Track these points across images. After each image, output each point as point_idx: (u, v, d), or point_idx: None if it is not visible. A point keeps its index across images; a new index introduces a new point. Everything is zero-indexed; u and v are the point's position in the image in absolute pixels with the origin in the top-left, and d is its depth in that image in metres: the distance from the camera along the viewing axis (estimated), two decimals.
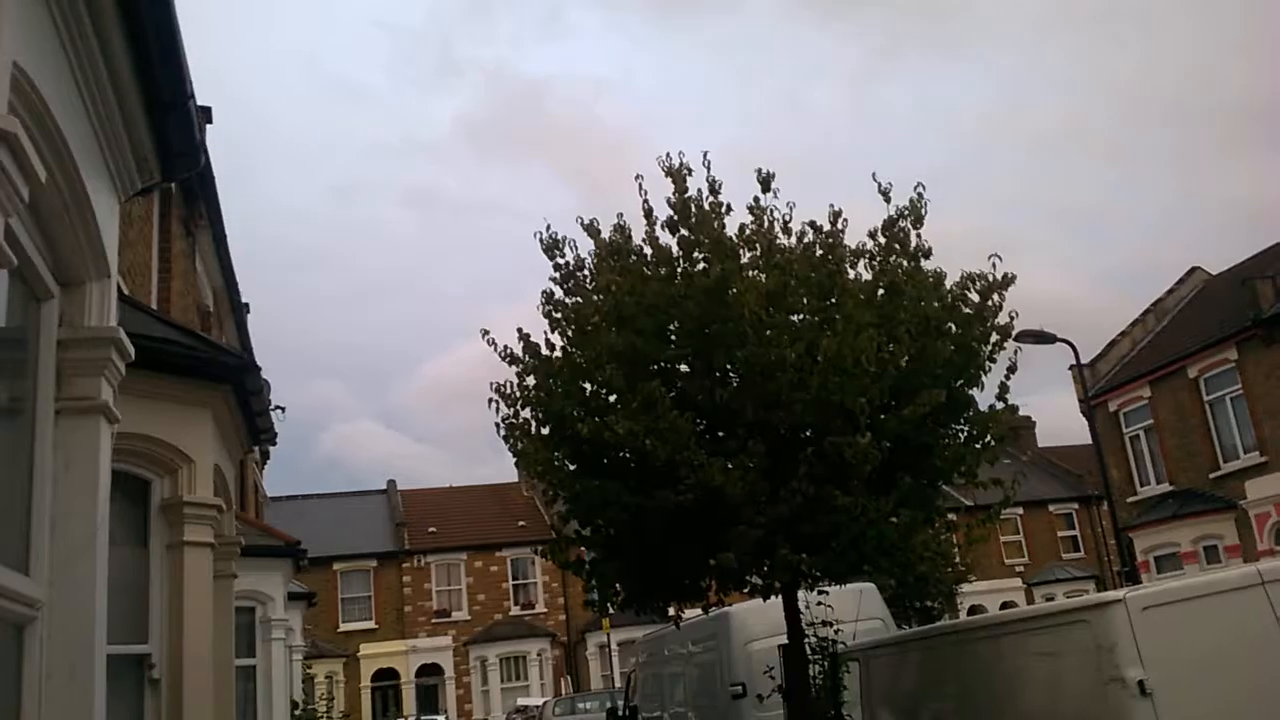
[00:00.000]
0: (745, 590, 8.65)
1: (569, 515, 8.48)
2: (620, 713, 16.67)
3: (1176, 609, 6.44)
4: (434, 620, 41.79)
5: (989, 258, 8.05)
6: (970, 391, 8.09)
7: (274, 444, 23.20)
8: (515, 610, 42.57)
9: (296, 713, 17.64)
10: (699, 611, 11.98)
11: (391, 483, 46.64)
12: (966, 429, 8.12)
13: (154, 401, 6.95)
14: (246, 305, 18.13)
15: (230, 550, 8.62)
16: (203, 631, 7.16)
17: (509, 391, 8.27)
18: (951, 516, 9.26)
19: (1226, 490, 24.34)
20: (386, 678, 40.90)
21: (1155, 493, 26.48)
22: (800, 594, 8.30)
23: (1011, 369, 8.31)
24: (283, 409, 20.52)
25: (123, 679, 6.63)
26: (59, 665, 3.59)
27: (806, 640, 8.15)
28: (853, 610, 9.82)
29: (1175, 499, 25.64)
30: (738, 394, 7.43)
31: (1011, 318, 8.16)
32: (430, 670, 41.37)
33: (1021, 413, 45.76)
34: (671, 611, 9.14)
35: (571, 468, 8.11)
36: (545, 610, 42.71)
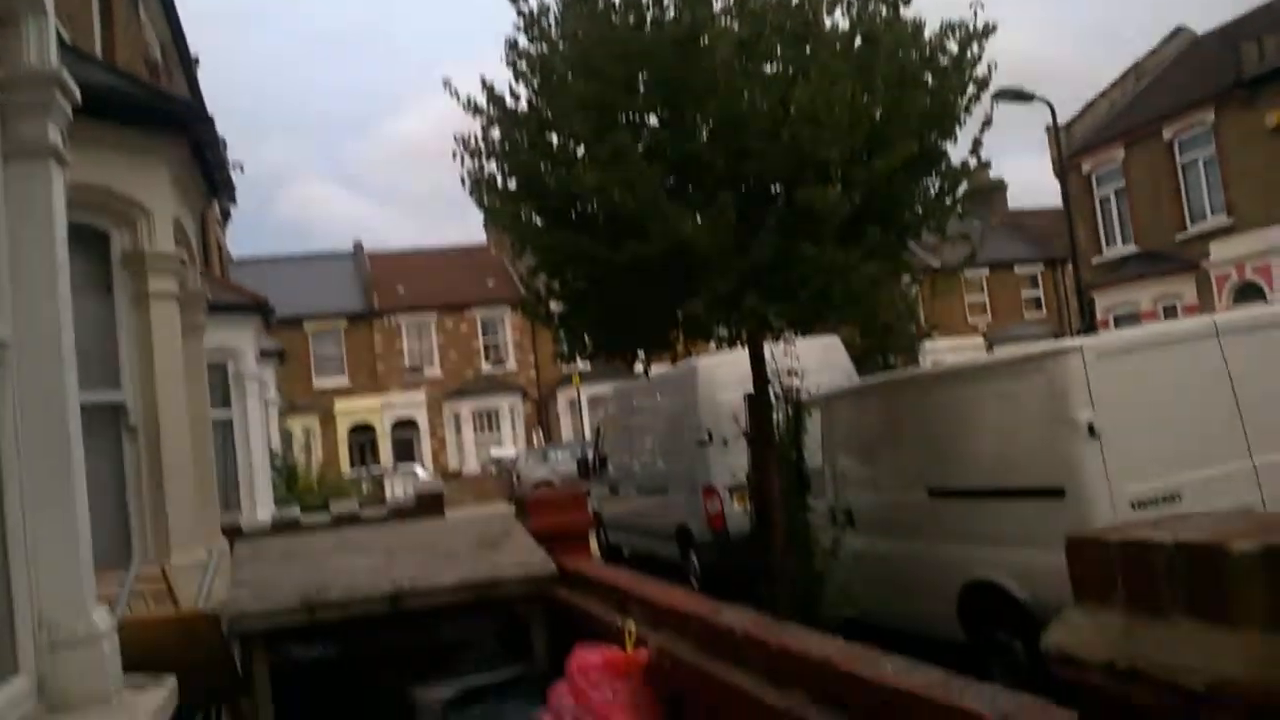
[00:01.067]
0: (712, 341, 8.77)
1: (538, 270, 8.46)
2: (591, 461, 17.27)
3: (1131, 357, 6.62)
4: (407, 377, 42.57)
5: (970, 4, 7.76)
6: (944, 145, 7.96)
7: (234, 202, 22.82)
8: (486, 368, 43.38)
9: (276, 463, 18.17)
10: (667, 366, 12.25)
11: (358, 244, 46.35)
12: (938, 183, 8.04)
13: (106, 152, 6.75)
14: (196, 59, 17.36)
15: (196, 302, 8.61)
16: (175, 381, 7.24)
17: (474, 145, 8.06)
18: (921, 276, 9.27)
19: (1192, 252, 24.69)
20: (363, 431, 42.04)
21: (1121, 254, 26.84)
22: (766, 347, 8.44)
23: (987, 123, 8.15)
24: (241, 166, 20.10)
25: (100, 429, 6.74)
26: (33, 405, 3.62)
27: (770, 389, 8.34)
28: (817, 362, 10.05)
29: (1140, 260, 26.01)
30: (708, 146, 7.26)
31: (990, 69, 7.93)
32: (405, 424, 42.55)
33: (994, 175, 45.67)
34: (639, 363, 9.29)
35: (539, 222, 8.01)
36: (516, 368, 43.54)
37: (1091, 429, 6.30)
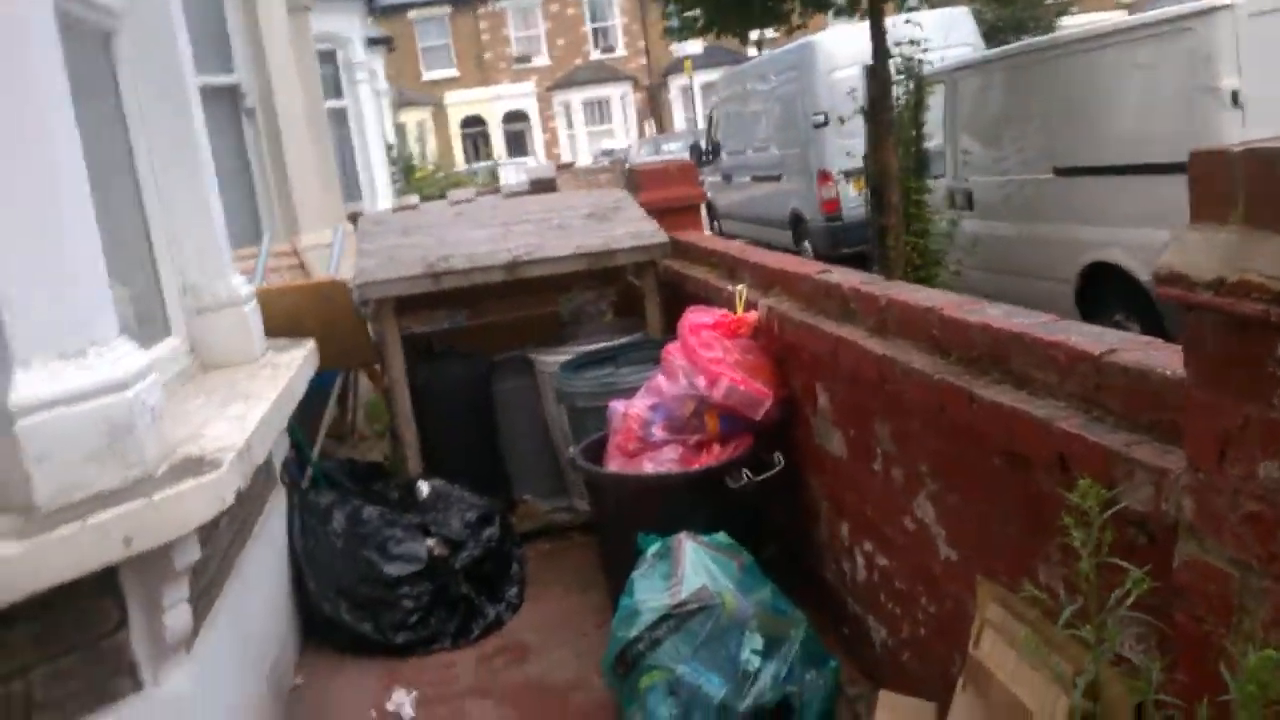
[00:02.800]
0: (830, 12, 8.31)
1: None
2: (704, 150, 17.04)
3: None
4: (515, 66, 41.84)
5: None
6: None
7: None
8: (595, 54, 42.24)
9: (392, 154, 18.43)
10: (783, 45, 11.72)
11: None
12: None
13: None
14: None
15: None
16: (286, 62, 7.27)
17: None
18: None
19: None
20: (474, 124, 42.01)
21: None
22: (889, 18, 7.96)
23: None
24: None
25: (219, 112, 6.87)
26: (152, 80, 3.68)
27: (891, 62, 7.95)
28: (943, 36, 9.49)
29: None
30: None
31: None
32: (516, 116, 42.29)
33: None
34: (753, 41, 8.89)
35: None
36: (626, 54, 42.28)
37: (1235, 98, 5.88)
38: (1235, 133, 5.89)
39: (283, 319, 4.42)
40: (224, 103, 7.00)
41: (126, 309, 3.20)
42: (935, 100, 8.72)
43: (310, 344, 4.26)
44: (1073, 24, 28.60)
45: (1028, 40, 9.59)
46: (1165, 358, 1.76)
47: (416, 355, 5.09)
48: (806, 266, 3.65)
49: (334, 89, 14.17)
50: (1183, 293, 1.42)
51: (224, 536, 3.04)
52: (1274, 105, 5.86)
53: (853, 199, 11.10)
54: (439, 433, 4.91)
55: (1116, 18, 7.74)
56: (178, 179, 3.75)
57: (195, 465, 2.49)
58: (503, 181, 20.12)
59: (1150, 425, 1.74)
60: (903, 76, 8.21)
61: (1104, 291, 6.99)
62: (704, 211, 16.78)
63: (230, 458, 2.54)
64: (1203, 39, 6.01)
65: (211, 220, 3.86)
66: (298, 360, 3.95)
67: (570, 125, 41.67)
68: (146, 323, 3.53)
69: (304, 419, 4.47)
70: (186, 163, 3.78)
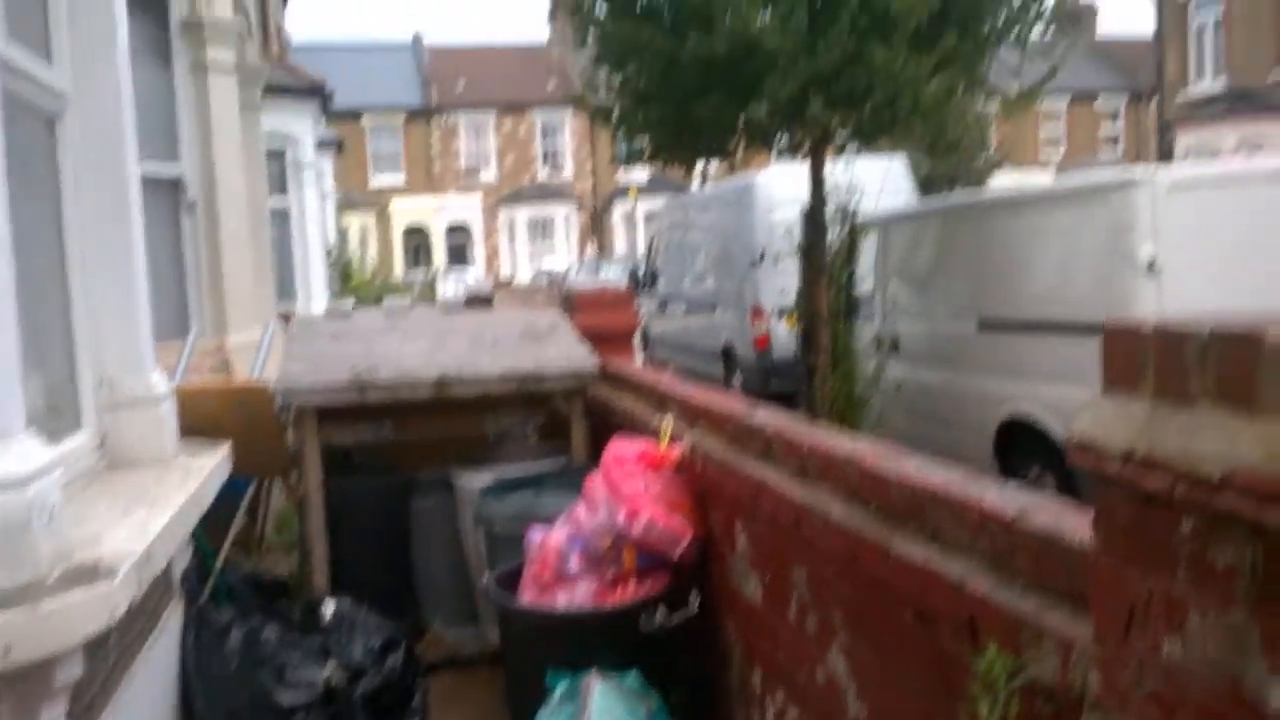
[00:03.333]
0: (773, 151, 8.57)
1: (599, 61, 8.23)
2: (641, 277, 17.28)
3: (1203, 194, 6.36)
4: (463, 179, 42.41)
5: None
6: None
7: None
8: (544, 174, 43.04)
9: (331, 256, 18.39)
10: (725, 179, 12.05)
11: (417, 36, 45.37)
12: None
13: None
14: None
15: (254, 79, 8.55)
16: (233, 158, 7.28)
17: None
18: (997, 95, 8.89)
19: None
20: (417, 233, 42.29)
21: (1209, 91, 25.55)
22: (828, 163, 8.24)
23: None
24: None
25: (159, 202, 6.83)
26: (93, 163, 3.64)
27: (828, 207, 8.20)
28: (878, 183, 9.82)
29: (1229, 98, 24.75)
30: None
31: None
32: (459, 229, 42.70)
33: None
34: (698, 172, 9.14)
35: (604, 5, 7.75)
36: (573, 176, 43.16)
37: (1151, 266, 6.13)
38: (1152, 300, 6.14)
39: (200, 420, 4.30)
40: (165, 193, 6.96)
41: (37, 398, 3.10)
42: (868, 246, 8.99)
43: (225, 448, 4.15)
44: (1003, 179, 29.94)
45: (958, 195, 9.98)
46: (1076, 524, 1.77)
47: (335, 466, 4.98)
48: (732, 404, 3.68)
49: (280, 187, 14.19)
50: (1094, 462, 1.44)
51: (112, 650, 2.89)
52: (1189, 274, 6.11)
53: (784, 336, 11.28)
54: (351, 549, 4.78)
55: (1044, 179, 8.08)
56: (107, 267, 3.68)
57: (89, 573, 2.37)
58: (440, 294, 20.15)
59: (1062, 592, 1.75)
60: (838, 221, 8.45)
61: (1022, 445, 7.12)
62: (638, 337, 16.94)
63: (127, 567, 2.43)
64: (1121, 209, 6.29)
65: (137, 312, 3.78)
66: (210, 465, 3.83)
67: (513, 240, 42.16)
68: (56, 414, 3.41)
69: (211, 526, 4.32)
70: (118, 251, 3.71)
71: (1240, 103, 24.20)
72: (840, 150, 8.27)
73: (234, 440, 4.24)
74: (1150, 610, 1.40)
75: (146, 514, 3.01)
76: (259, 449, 4.62)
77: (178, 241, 7.10)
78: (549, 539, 3.66)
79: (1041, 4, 7.54)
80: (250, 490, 5.27)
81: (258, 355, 5.61)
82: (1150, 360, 1.35)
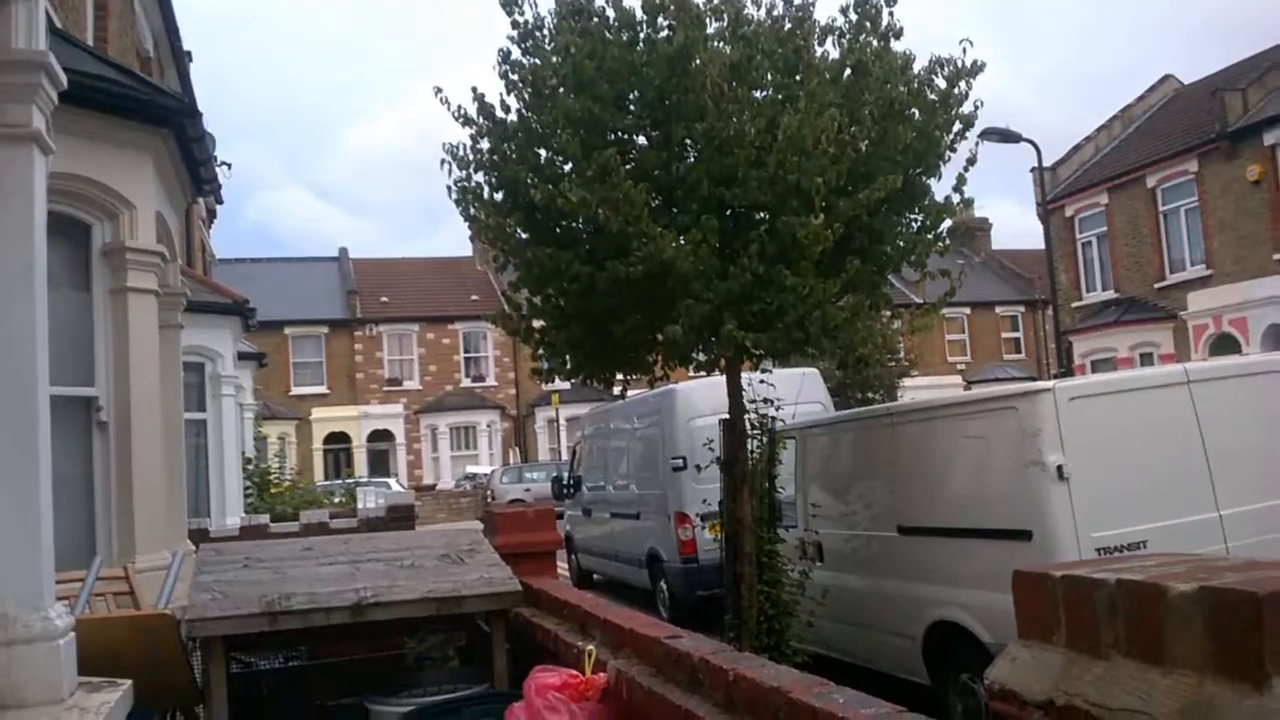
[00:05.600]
0: (691, 367, 8.79)
1: (520, 284, 8.47)
2: (565, 483, 17.23)
3: (1102, 401, 6.67)
4: (386, 388, 42.44)
5: (959, 43, 7.85)
6: (928, 181, 8.03)
7: (220, 201, 22.75)
8: (466, 383, 43.29)
9: (249, 468, 18.05)
10: (645, 389, 12.26)
11: (343, 250, 46.27)
12: (921, 218, 8.11)
13: (92, 143, 6.76)
14: (189, 53, 17.33)
15: (175, 300, 8.58)
16: (149, 378, 7.21)
17: (462, 154, 8.07)
18: (901, 311, 9.34)
19: (1170, 301, 24.93)
20: (338, 441, 41.84)
21: (1100, 299, 27.07)
22: (745, 375, 8.46)
23: (971, 161, 8.21)
24: (228, 165, 20.07)
25: (70, 421, 6.71)
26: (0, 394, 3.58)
27: (747, 417, 8.36)
28: (794, 393, 10.07)
29: (1118, 306, 26.23)
30: (694, 168, 7.30)
31: (976, 107, 8.02)
32: (381, 436, 42.38)
33: (978, 215, 46.16)
34: (617, 385, 9.31)
35: (524, 235, 8.03)
36: (496, 384, 43.46)
37: (1060, 472, 6.33)
38: (1065, 505, 6.31)
39: (100, 653, 4.09)
40: (77, 412, 6.84)
41: None
42: (788, 454, 9.13)
43: (126, 686, 3.93)
44: (914, 384, 30.95)
45: (872, 406, 10.26)
46: None
47: (244, 696, 4.74)
48: (656, 629, 3.62)
49: (197, 401, 14.04)
50: (1014, 710, 1.45)
51: None
52: (1095, 477, 6.32)
53: (709, 542, 11.25)
54: None
55: (953, 383, 8.37)
56: (7, 494, 3.56)
57: None
58: (361, 503, 19.77)
59: None
60: (757, 431, 8.59)
61: (949, 649, 7.09)
62: (563, 544, 16.73)
63: None
64: (1028, 417, 6.53)
65: (39, 549, 3.64)
66: (109, 705, 3.62)
67: (435, 448, 41.89)
68: None
69: None
70: (21, 480, 3.61)
71: (1130, 311, 25.64)
72: (756, 364, 8.50)
73: (138, 671, 4.03)
74: None
75: None
76: (164, 681, 4.40)
77: (88, 460, 6.93)
78: None
79: (938, 229, 8.00)
80: None
81: (165, 582, 5.41)
82: (1061, 610, 1.39)
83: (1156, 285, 25.21)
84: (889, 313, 9.37)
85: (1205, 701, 1.17)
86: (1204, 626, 1.19)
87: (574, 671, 3.64)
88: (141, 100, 7.14)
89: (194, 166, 8.31)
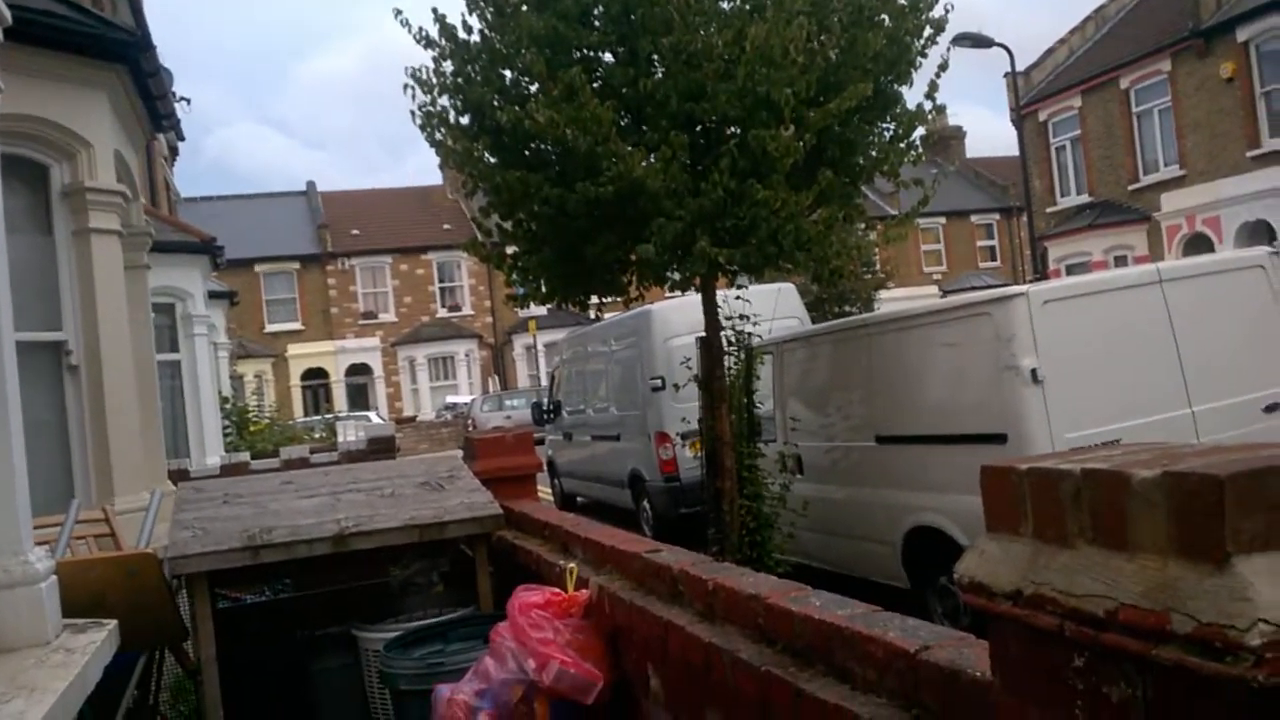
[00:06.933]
0: (666, 286, 8.76)
1: (490, 209, 8.37)
2: (545, 408, 17.27)
3: (1075, 303, 6.69)
4: (361, 322, 42.21)
5: None
6: (899, 88, 7.93)
7: (182, 138, 22.32)
8: (442, 313, 43.07)
9: (227, 407, 17.99)
10: (622, 311, 12.23)
11: (311, 184, 45.59)
12: (893, 127, 8.04)
13: (45, 81, 6.58)
14: None
15: (140, 240, 8.45)
16: (118, 320, 7.12)
17: (425, 78, 7.91)
18: (876, 223, 9.30)
19: (1143, 202, 24.95)
20: (316, 377, 41.71)
21: (1074, 204, 27.06)
22: (720, 292, 8.43)
23: (943, 67, 8.11)
24: (187, 100, 19.64)
25: (40, 367, 6.63)
26: None
27: (723, 334, 8.35)
28: (770, 309, 10.07)
29: (1093, 210, 26.24)
30: (662, 84, 7.18)
31: (947, 11, 7.90)
32: (359, 370, 42.26)
33: (952, 123, 45.82)
34: (594, 304, 9.28)
35: (492, 160, 7.91)
36: (472, 313, 43.29)
37: (1035, 375, 6.37)
38: (1039, 408, 6.37)
39: (84, 595, 4.10)
40: (46, 358, 6.77)
41: None
42: (765, 369, 9.16)
43: (111, 626, 3.94)
44: (890, 296, 30.99)
45: (847, 318, 10.28)
46: (977, 657, 1.78)
47: (231, 631, 4.78)
48: (637, 544, 3.65)
49: (170, 342, 13.92)
50: (984, 602, 1.46)
51: None
52: (1069, 380, 6.38)
53: (690, 460, 11.32)
54: (252, 717, 4.55)
55: (930, 294, 8.38)
56: None
57: None
58: (341, 437, 19.78)
59: None
60: (734, 347, 8.60)
61: (929, 554, 7.21)
62: (546, 468, 16.83)
63: None
64: (1001, 323, 6.55)
65: (13, 490, 3.61)
66: (95, 644, 3.63)
67: (414, 380, 41.84)
68: None
69: (99, 706, 4.08)
70: None
71: (1104, 214, 25.66)
72: (731, 280, 8.48)
73: (122, 613, 4.04)
74: None
75: (25, 704, 2.83)
76: (150, 620, 4.41)
77: (60, 406, 6.87)
78: (456, 695, 3.54)
79: (910, 138, 7.93)
80: (141, 663, 5.02)
81: (145, 522, 5.40)
82: (1028, 502, 1.39)
83: (1130, 187, 25.21)
84: (863, 225, 9.31)
85: (1168, 584, 1.18)
86: (1167, 511, 1.19)
87: (557, 589, 3.68)
88: (93, 35, 6.93)
89: (150, 102, 8.11)
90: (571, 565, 3.79)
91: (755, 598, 2.52)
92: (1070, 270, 25.35)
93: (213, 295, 16.64)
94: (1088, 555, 1.29)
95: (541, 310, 30.28)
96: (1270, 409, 6.91)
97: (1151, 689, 1.24)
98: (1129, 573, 1.22)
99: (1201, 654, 1.13)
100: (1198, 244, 23.04)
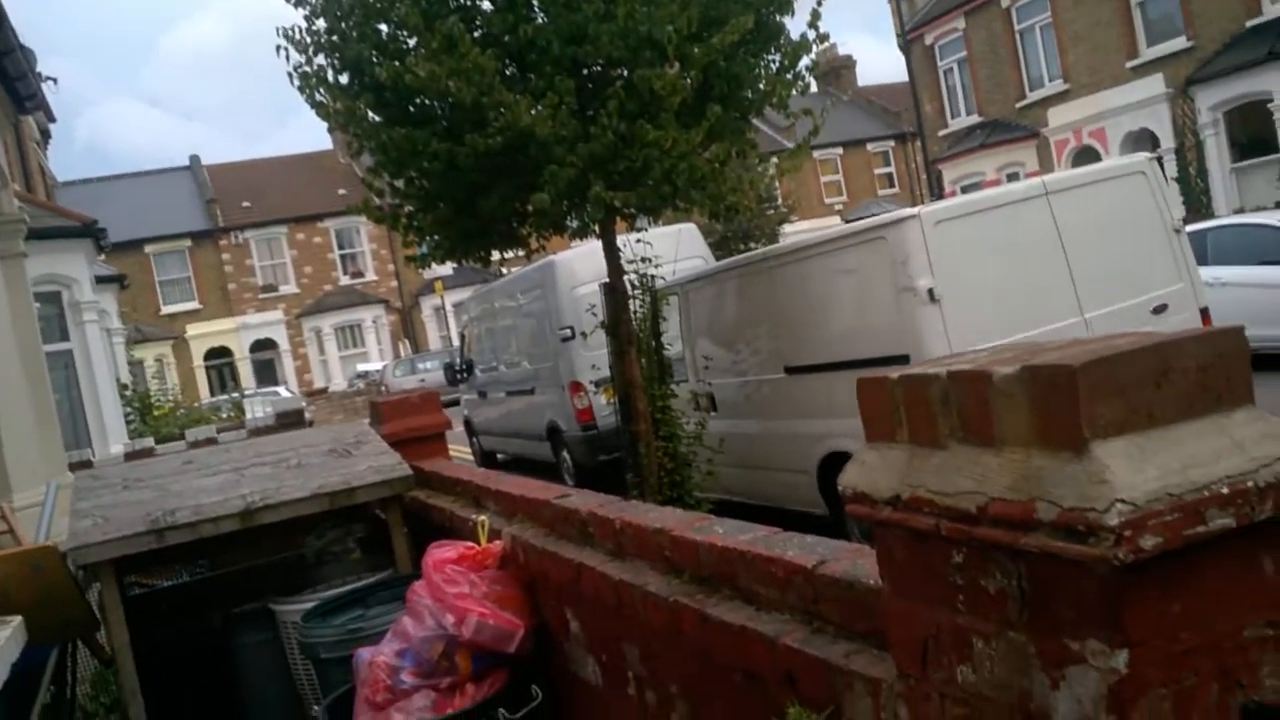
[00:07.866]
0: (566, 235, 8.70)
1: (379, 169, 8.18)
2: (458, 368, 17.12)
3: (967, 221, 6.82)
4: (261, 296, 41.21)
5: None
6: (782, 19, 7.92)
7: (52, 119, 21.39)
8: (345, 280, 42.28)
9: (127, 393, 17.48)
10: (525, 264, 12.13)
11: (195, 158, 44.10)
12: (778, 59, 8.03)
13: None
14: None
15: (15, 228, 8.10)
16: None
17: (298, 37, 7.66)
18: (771, 157, 9.32)
19: (1031, 119, 25.48)
20: (219, 356, 40.71)
21: (965, 125, 27.51)
22: (621, 237, 8.40)
23: None
24: (54, 80, 18.76)
25: None
26: None
27: (627, 278, 8.33)
28: (673, 250, 10.07)
29: (983, 130, 26.73)
30: (543, 29, 7.06)
31: None
32: (264, 345, 41.35)
33: (842, 53, 46.07)
34: (495, 259, 9.16)
35: (376, 118, 7.72)
36: (376, 278, 42.57)
37: (931, 294, 6.49)
38: (937, 326, 6.50)
39: None
40: None
41: None
42: (672, 311, 9.18)
43: (15, 623, 3.82)
44: (794, 230, 31.29)
45: (747, 254, 10.34)
46: (870, 566, 1.82)
47: (146, 617, 4.67)
48: (546, 492, 3.65)
49: (59, 331, 13.45)
50: (867, 510, 1.49)
51: None
52: (965, 298, 6.51)
53: (605, 408, 11.34)
54: (173, 703, 4.47)
55: (833, 225, 8.45)
56: None
57: None
58: (249, 414, 19.39)
59: (866, 634, 1.79)
60: (639, 291, 8.60)
61: None
62: (464, 427, 16.72)
63: None
64: (896, 245, 6.65)
65: None
66: None
67: (322, 351, 41.08)
68: None
69: (13, 704, 3.96)
70: None
71: (994, 133, 26.16)
72: (631, 224, 8.45)
73: (28, 607, 3.92)
74: (941, 642, 1.45)
75: None
76: (58, 614, 4.30)
77: None
78: (377, 658, 3.52)
79: (796, 69, 7.94)
80: (53, 658, 4.89)
81: (41, 516, 5.24)
82: (902, 410, 1.42)
83: (1018, 105, 25.71)
84: (758, 159, 9.33)
85: (1033, 474, 1.21)
86: (1028, 404, 1.23)
87: (470, 543, 3.67)
88: None
89: (9, 83, 7.75)
90: (483, 518, 3.78)
91: (660, 531, 2.54)
92: (965, 191, 25.80)
93: (100, 280, 16.09)
94: (959, 454, 1.32)
95: (447, 270, 29.95)
96: (1158, 310, 7.16)
97: (1025, 577, 1.28)
98: (996, 467, 1.25)
99: (1066, 538, 1.17)
100: (1086, 156, 23.63)
